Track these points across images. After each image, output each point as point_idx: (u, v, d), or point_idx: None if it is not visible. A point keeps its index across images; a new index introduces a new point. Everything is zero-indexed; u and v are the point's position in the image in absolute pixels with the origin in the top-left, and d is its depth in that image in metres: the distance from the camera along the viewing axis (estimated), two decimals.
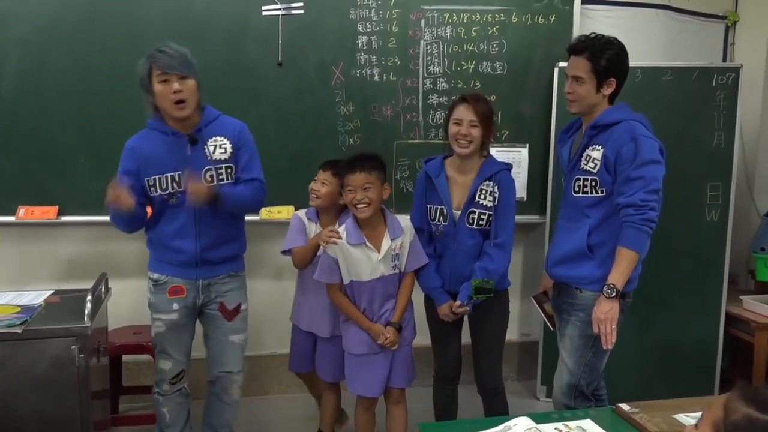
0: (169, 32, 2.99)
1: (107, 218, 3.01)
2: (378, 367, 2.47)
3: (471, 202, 2.43)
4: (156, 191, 2.31)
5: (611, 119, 2.21)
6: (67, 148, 3.01)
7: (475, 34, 3.30)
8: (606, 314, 2.12)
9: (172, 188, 2.29)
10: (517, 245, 3.64)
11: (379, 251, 2.41)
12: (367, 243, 2.40)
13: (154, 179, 2.30)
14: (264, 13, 3.09)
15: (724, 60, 3.77)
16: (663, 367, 3.35)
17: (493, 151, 3.33)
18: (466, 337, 2.63)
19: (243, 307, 2.49)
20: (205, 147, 2.32)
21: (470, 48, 3.30)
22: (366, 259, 2.41)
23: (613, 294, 2.11)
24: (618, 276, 2.12)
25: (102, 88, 3.00)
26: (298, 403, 3.33)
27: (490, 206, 2.42)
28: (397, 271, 2.47)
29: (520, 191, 3.40)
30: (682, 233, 3.28)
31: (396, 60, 3.25)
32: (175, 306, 2.36)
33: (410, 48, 3.25)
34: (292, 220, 2.73)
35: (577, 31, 3.31)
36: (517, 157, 3.41)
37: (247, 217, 3.10)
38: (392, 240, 2.43)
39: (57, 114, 2.98)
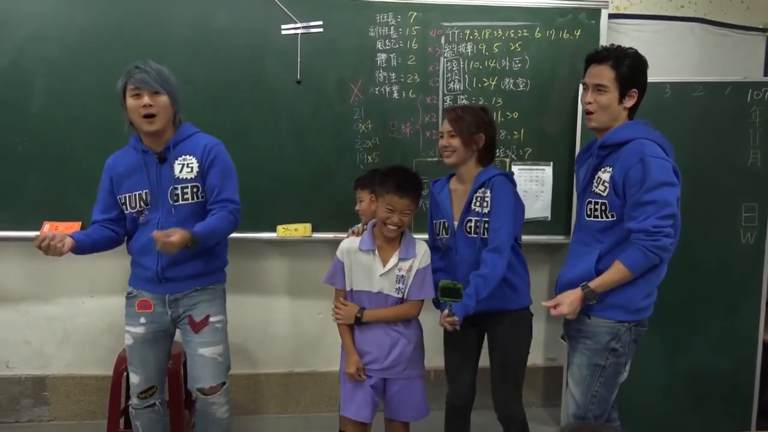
0: (191, 52, 3.05)
1: None
2: (368, 390, 2.37)
3: (467, 210, 2.41)
4: (127, 209, 2.35)
5: (621, 138, 2.11)
6: (91, 165, 3.05)
7: (496, 50, 3.23)
8: (571, 306, 2.08)
9: (140, 206, 2.33)
10: (542, 265, 3.55)
11: (384, 266, 2.37)
12: (376, 253, 2.37)
13: (125, 197, 2.35)
14: (283, 32, 3.11)
15: (766, 74, 3.59)
16: (694, 398, 3.16)
17: (516, 168, 3.30)
18: (484, 360, 2.54)
19: (212, 319, 2.38)
20: (173, 165, 2.33)
21: (492, 64, 3.24)
22: (369, 268, 2.38)
23: (591, 300, 2.09)
24: (601, 284, 2.08)
25: None
26: (293, 423, 3.33)
27: (484, 212, 2.36)
28: (400, 296, 2.38)
29: (544, 210, 3.33)
30: (716, 256, 3.11)
31: (415, 77, 3.21)
32: (142, 320, 2.37)
33: (430, 65, 3.21)
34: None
35: None
36: (540, 176, 3.32)
37: (263, 234, 3.17)
38: (400, 260, 2.37)
39: (82, 133, 3.04)
